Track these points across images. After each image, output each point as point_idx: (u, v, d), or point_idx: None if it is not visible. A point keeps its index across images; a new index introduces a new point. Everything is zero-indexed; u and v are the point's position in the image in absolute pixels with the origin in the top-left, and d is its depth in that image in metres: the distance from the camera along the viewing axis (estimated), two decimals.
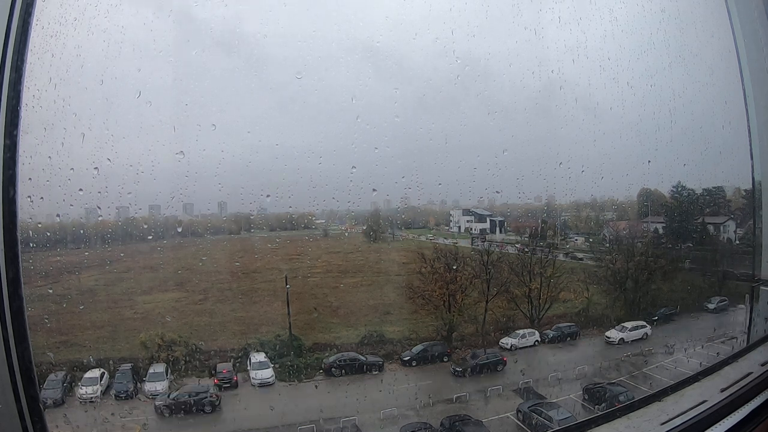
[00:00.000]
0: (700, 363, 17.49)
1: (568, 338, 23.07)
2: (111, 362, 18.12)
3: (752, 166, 5.83)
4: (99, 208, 15.84)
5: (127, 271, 21.81)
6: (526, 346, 22.32)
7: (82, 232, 17.76)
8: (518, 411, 17.91)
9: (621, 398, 16.83)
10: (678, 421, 3.46)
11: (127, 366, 18.29)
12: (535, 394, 19.22)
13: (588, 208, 28.74)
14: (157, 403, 16.87)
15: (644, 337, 22.30)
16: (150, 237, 20.48)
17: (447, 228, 30.21)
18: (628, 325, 22.50)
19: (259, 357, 19.57)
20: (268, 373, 19.10)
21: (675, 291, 25.05)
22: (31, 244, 13.56)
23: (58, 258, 18.14)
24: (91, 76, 13.77)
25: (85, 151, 13.01)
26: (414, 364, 20.79)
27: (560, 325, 23.45)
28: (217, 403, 17.32)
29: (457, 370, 20.48)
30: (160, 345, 18.99)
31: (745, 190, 20.57)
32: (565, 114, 20.36)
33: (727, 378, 3.97)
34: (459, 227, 29.91)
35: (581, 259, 26.98)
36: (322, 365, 19.87)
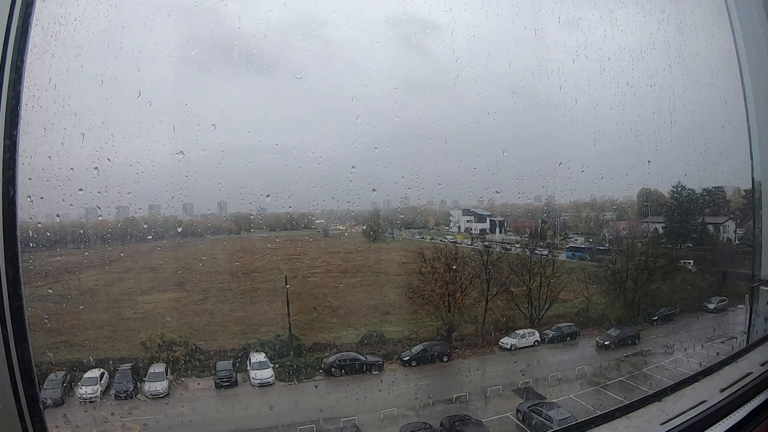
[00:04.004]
0: (700, 363, 17.48)
1: (568, 338, 23.09)
2: (111, 362, 18.10)
3: (752, 166, 5.84)
4: (99, 208, 15.82)
5: (127, 271, 21.79)
6: (526, 346, 22.33)
7: (82, 232, 17.73)
8: (518, 411, 17.91)
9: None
10: (678, 421, 3.47)
11: (127, 366, 18.26)
12: (535, 394, 19.23)
13: (588, 208, 28.74)
14: None
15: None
16: (150, 237, 20.44)
17: (447, 228, 30.20)
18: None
19: (259, 357, 19.56)
20: (268, 373, 19.09)
21: (675, 291, 25.05)
22: (31, 244, 13.53)
23: (58, 258, 18.12)
24: (91, 76, 13.76)
25: (85, 151, 12.98)
26: (414, 364, 20.79)
27: (560, 325, 23.45)
28: None
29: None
30: (160, 345, 18.98)
31: (745, 190, 20.54)
32: (564, 114, 20.31)
33: (727, 378, 3.97)
34: (459, 227, 29.90)
35: (582, 258, 26.98)
36: (322, 365, 19.87)
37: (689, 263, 26.04)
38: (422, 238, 28.78)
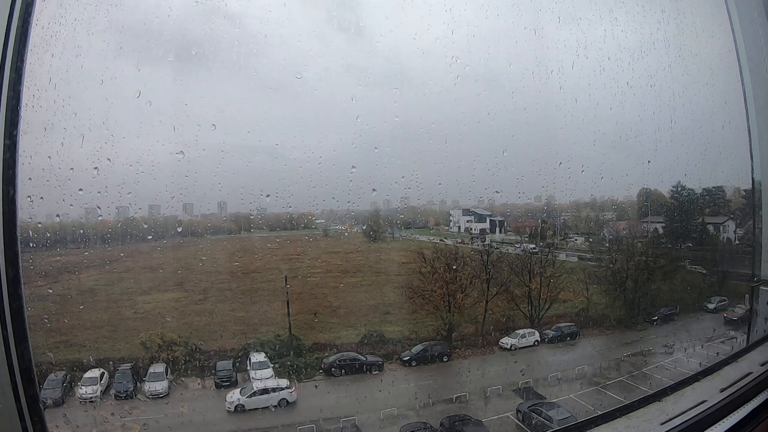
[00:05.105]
0: (700, 363, 17.49)
1: (568, 338, 23.09)
2: (111, 362, 18.11)
3: (752, 166, 5.84)
4: (99, 208, 15.83)
5: (127, 271, 21.80)
6: (526, 346, 22.33)
7: (82, 232, 17.73)
8: (518, 411, 17.91)
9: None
10: (678, 421, 3.46)
11: (127, 366, 18.28)
12: (535, 394, 19.23)
13: (588, 208, 28.74)
14: None
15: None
16: (150, 237, 20.45)
17: (447, 228, 30.20)
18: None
19: (259, 357, 19.57)
20: (268, 373, 19.09)
21: (675, 291, 25.05)
22: (31, 244, 13.53)
23: (58, 258, 18.13)
24: (91, 76, 13.77)
25: (85, 151, 12.99)
26: (414, 364, 20.79)
27: (560, 325, 23.46)
28: None
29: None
30: (160, 345, 18.99)
31: (745, 190, 20.56)
32: (564, 114, 20.31)
33: (727, 378, 3.97)
34: (459, 227, 29.91)
35: (585, 258, 26.99)
36: (322, 365, 19.87)
37: (689, 263, 26.05)
38: (436, 239, 28.41)
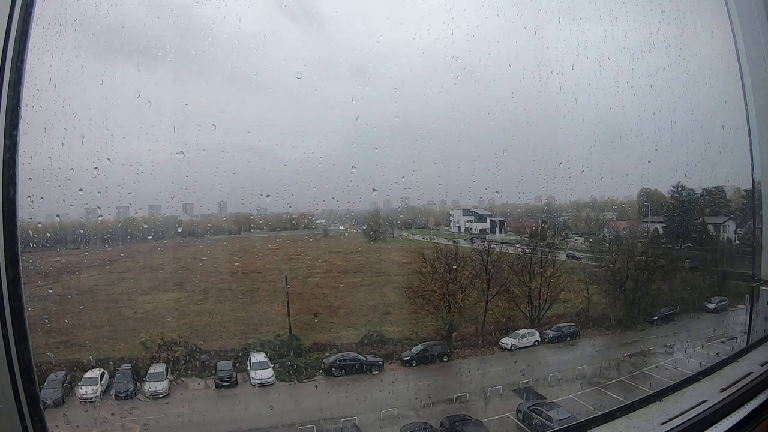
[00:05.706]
0: (700, 363, 17.50)
1: (568, 338, 23.08)
2: (111, 362, 18.11)
3: (752, 166, 5.83)
4: (99, 208, 15.83)
5: (127, 271, 21.79)
6: (526, 346, 22.33)
7: (82, 232, 17.74)
8: (518, 411, 17.91)
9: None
10: (678, 421, 3.46)
11: (127, 366, 18.27)
12: (535, 394, 19.23)
13: (588, 208, 28.73)
14: None
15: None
16: (150, 237, 20.45)
17: (447, 228, 30.18)
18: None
19: (259, 357, 19.57)
20: (268, 373, 19.10)
21: (675, 291, 25.05)
22: (31, 244, 13.54)
23: (58, 258, 18.11)
24: (91, 76, 13.78)
25: (85, 151, 13.01)
26: (414, 364, 20.79)
27: (560, 325, 23.45)
28: None
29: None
30: (160, 345, 18.98)
31: (745, 190, 20.56)
32: (564, 114, 20.31)
33: (727, 378, 3.97)
34: (459, 227, 29.90)
35: (580, 259, 26.97)
36: (322, 365, 19.87)
37: (689, 263, 26.04)
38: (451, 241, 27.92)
